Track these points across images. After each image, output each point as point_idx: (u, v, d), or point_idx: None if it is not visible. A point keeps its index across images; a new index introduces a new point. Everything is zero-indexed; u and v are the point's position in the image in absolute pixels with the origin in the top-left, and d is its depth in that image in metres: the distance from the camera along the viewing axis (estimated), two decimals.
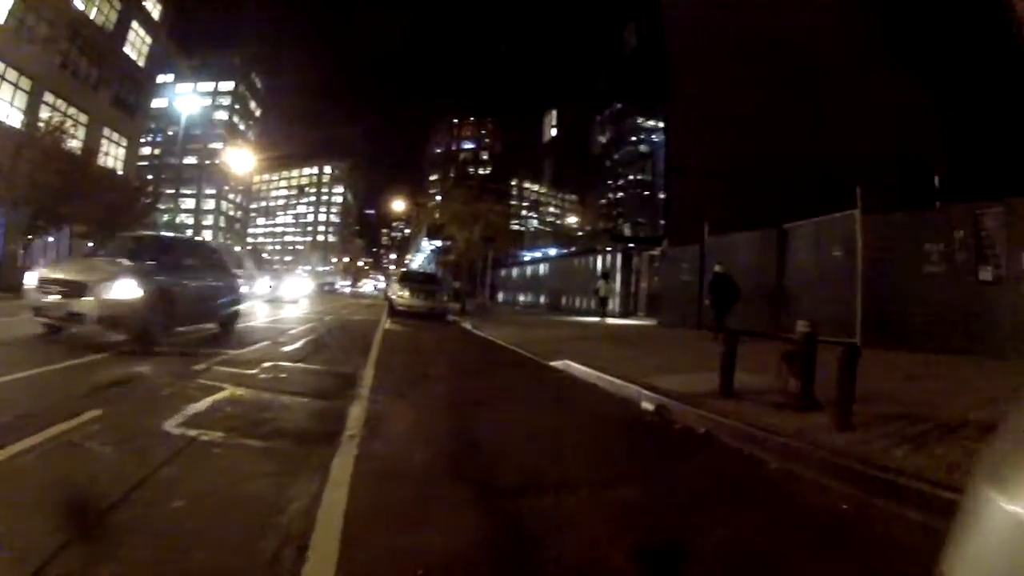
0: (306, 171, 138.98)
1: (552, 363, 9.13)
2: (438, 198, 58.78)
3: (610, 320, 20.66)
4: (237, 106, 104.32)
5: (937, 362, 8.09)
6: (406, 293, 19.31)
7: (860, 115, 15.19)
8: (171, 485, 2.98)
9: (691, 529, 3.06)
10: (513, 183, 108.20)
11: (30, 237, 22.57)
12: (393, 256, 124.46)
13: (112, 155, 32.88)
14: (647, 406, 6.24)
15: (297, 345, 9.36)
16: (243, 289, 12.48)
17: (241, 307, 11.95)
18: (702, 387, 6.37)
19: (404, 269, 38.34)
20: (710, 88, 19.67)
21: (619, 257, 26.54)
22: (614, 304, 24.63)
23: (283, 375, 6.45)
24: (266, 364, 7.04)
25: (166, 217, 60.03)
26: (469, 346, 12.11)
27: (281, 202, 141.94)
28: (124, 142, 34.12)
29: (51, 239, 25.91)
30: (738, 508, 3.50)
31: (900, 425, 4.64)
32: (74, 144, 25.46)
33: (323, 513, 2.76)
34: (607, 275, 23.37)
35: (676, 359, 9.43)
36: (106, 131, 32.08)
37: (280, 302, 23.29)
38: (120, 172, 32.90)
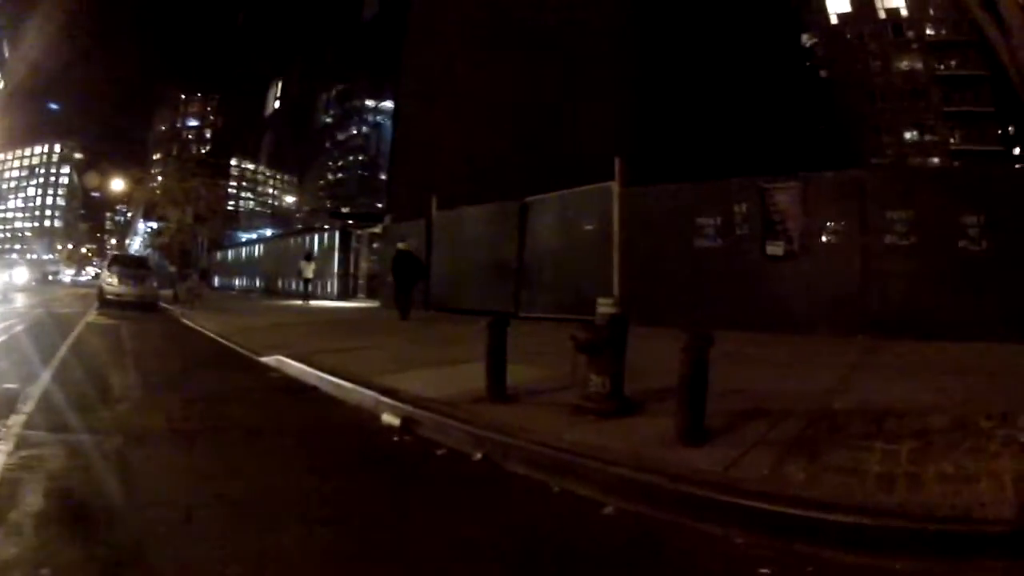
0: (38, 150, 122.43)
1: (265, 359, 7.51)
2: (160, 178, 54.48)
3: (322, 303, 19.45)
4: None
5: (727, 340, 7.06)
6: (115, 280, 17.24)
7: (614, 91, 14.97)
8: None
9: None
10: (233, 162, 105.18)
11: None
12: (115, 241, 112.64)
13: None
14: (390, 420, 4.35)
15: None
16: None
17: None
18: (461, 388, 4.69)
19: (115, 253, 31.69)
20: (448, 61, 18.52)
21: (337, 236, 24.41)
22: (331, 286, 23.06)
23: None
24: None
25: None
26: (174, 341, 10.76)
27: (13, 184, 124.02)
28: None
29: None
30: None
31: (762, 427, 3.49)
32: None
33: None
34: (310, 255, 22.15)
35: (413, 349, 7.69)
36: None
37: None
38: None
